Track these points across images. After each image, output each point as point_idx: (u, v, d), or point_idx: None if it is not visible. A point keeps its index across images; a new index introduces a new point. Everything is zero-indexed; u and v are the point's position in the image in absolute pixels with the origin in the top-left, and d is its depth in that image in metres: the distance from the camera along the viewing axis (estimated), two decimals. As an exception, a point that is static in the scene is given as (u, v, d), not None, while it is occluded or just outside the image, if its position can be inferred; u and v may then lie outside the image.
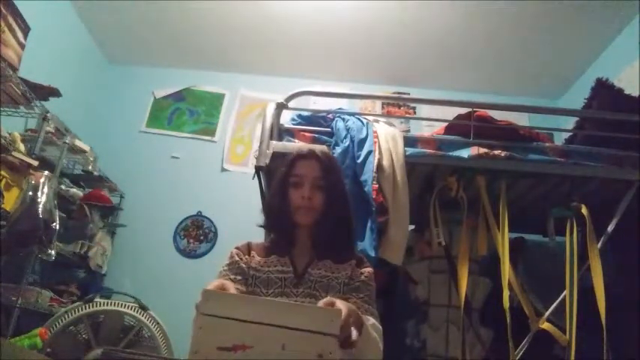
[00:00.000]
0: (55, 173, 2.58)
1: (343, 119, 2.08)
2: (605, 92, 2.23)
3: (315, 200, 1.24)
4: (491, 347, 2.09)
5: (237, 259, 1.25)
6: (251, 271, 1.23)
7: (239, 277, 1.20)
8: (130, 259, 3.38)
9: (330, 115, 2.17)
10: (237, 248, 1.29)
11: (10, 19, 2.30)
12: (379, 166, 1.91)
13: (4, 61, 2.25)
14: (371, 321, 1.11)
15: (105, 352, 1.99)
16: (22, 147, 2.39)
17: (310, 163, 1.28)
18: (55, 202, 2.37)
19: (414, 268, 2.30)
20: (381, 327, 1.14)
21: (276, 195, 1.30)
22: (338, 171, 1.35)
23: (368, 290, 1.21)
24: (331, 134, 2.07)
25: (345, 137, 1.99)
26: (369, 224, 1.81)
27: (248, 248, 1.30)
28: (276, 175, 1.35)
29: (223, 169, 3.71)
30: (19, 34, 2.38)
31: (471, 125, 2.05)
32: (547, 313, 1.89)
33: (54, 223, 2.31)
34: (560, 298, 1.88)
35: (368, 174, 1.88)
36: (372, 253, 1.76)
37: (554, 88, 3.86)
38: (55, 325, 2.21)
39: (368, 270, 1.25)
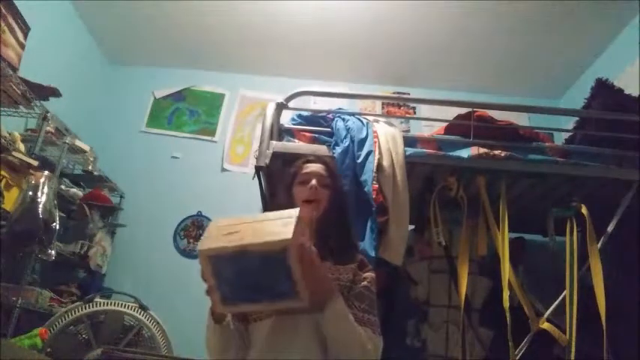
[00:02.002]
0: (55, 173, 2.58)
1: (343, 119, 2.08)
2: (605, 92, 2.23)
3: (320, 193, 1.28)
4: (491, 347, 2.09)
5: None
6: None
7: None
8: (130, 259, 3.38)
9: (330, 115, 2.17)
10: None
11: (10, 19, 2.30)
12: (379, 166, 1.90)
13: (4, 61, 2.24)
14: (367, 332, 1.12)
15: (105, 352, 1.99)
16: (22, 147, 2.39)
17: (317, 166, 1.35)
18: (55, 202, 2.37)
19: (414, 268, 2.30)
20: (378, 337, 1.14)
21: (282, 196, 1.34)
22: (339, 177, 1.45)
23: (369, 298, 1.21)
24: (331, 134, 2.07)
25: (345, 137, 1.99)
26: (369, 224, 1.81)
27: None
28: (282, 180, 1.39)
29: (223, 169, 3.71)
30: (19, 34, 2.38)
31: (471, 125, 2.05)
32: (547, 313, 1.89)
33: (54, 223, 2.30)
34: (560, 298, 1.88)
35: (368, 174, 1.88)
36: (372, 253, 1.75)
37: (554, 88, 3.85)
38: (55, 325, 2.22)
39: (371, 275, 1.25)
